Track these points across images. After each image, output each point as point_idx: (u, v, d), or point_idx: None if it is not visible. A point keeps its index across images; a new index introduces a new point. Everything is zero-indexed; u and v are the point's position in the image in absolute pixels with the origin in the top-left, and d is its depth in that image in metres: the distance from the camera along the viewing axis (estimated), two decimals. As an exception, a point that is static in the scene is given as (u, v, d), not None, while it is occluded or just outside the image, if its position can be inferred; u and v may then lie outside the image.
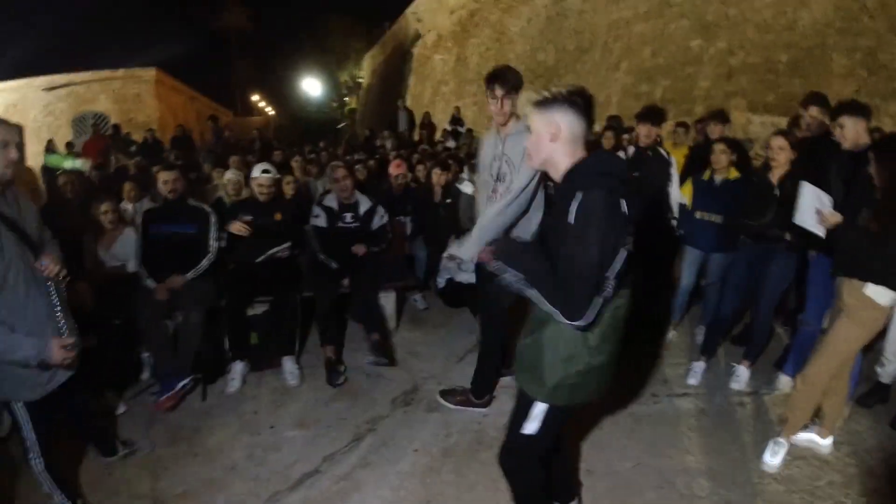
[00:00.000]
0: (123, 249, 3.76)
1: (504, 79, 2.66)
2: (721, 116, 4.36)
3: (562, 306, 1.56)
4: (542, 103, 1.66)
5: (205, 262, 3.59)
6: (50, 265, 2.15)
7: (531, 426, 1.78)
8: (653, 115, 3.89)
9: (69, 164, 4.73)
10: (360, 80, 28.42)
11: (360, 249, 3.96)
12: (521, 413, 1.81)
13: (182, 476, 2.71)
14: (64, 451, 2.48)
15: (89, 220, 3.88)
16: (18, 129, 2.20)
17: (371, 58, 26.60)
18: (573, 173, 1.64)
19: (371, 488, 2.57)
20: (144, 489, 2.63)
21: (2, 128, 2.04)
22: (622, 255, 1.57)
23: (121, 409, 3.26)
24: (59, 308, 2.18)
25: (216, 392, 3.45)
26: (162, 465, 2.80)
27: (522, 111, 1.72)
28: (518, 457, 1.91)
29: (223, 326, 3.59)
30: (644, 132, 3.85)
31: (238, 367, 3.52)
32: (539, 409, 1.76)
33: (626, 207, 1.57)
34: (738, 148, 3.81)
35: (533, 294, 1.61)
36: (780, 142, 3.08)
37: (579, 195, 1.54)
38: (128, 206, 4.82)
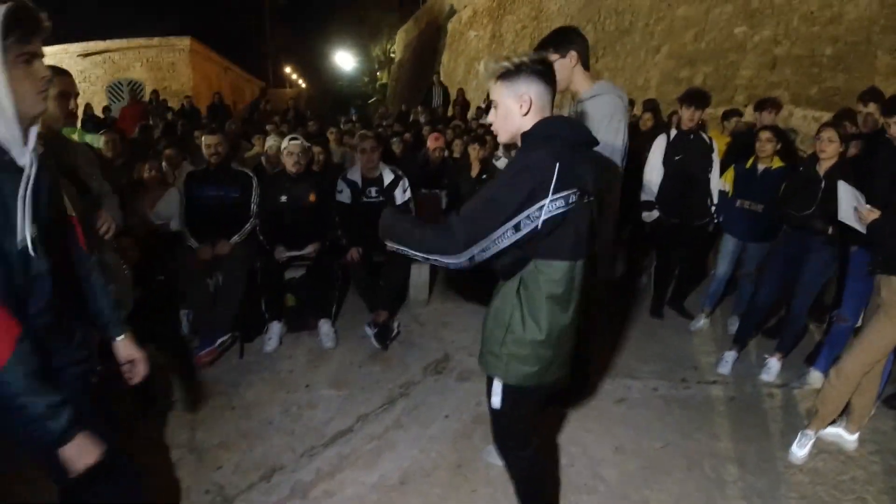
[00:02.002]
0: (167, 209, 3.87)
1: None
2: (775, 104, 4.27)
3: (441, 243, 1.52)
4: (508, 75, 1.58)
5: (248, 226, 3.67)
6: (101, 225, 2.14)
7: (495, 400, 1.76)
8: (697, 97, 3.79)
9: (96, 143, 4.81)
10: (393, 55, 28.20)
11: (353, 255, 3.85)
12: (488, 388, 1.80)
13: (219, 428, 2.80)
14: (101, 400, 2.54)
15: (133, 179, 3.99)
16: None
17: (404, 32, 26.32)
18: (526, 135, 1.61)
19: (404, 449, 2.64)
20: (182, 439, 2.72)
21: (62, 78, 2.05)
22: (528, 222, 1.49)
23: (160, 362, 3.39)
24: (105, 263, 2.18)
25: (253, 350, 3.56)
26: (199, 417, 2.90)
27: (487, 83, 1.65)
28: (496, 433, 1.91)
29: (261, 287, 3.67)
30: (688, 115, 3.76)
31: (275, 327, 3.62)
32: (496, 385, 1.74)
33: (557, 169, 1.48)
34: (784, 137, 3.73)
35: (416, 255, 1.59)
36: (829, 133, 3.01)
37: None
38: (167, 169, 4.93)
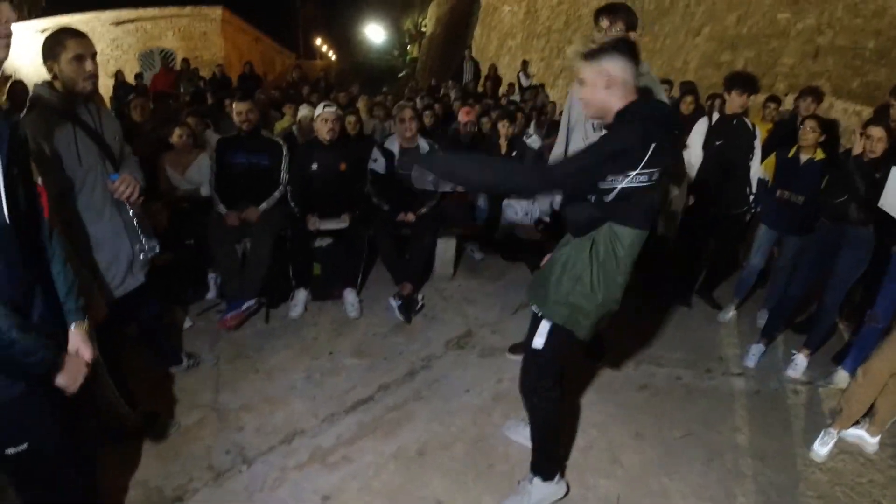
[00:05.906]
0: (198, 174, 3.90)
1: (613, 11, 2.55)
2: (816, 93, 4.09)
3: (527, 180, 1.75)
4: (592, 54, 1.71)
5: (276, 194, 3.69)
6: (120, 187, 2.12)
7: (538, 341, 1.92)
8: (745, 81, 3.60)
9: None
10: (424, 29, 27.82)
11: (408, 218, 3.89)
12: (532, 330, 1.97)
13: (242, 390, 2.87)
14: (128, 358, 2.57)
15: (163, 144, 4.02)
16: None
17: (437, 6, 25.87)
18: (623, 113, 1.71)
19: (423, 420, 2.67)
20: (205, 400, 2.79)
21: (77, 41, 2.01)
22: (605, 183, 1.67)
23: (187, 325, 3.46)
24: (136, 219, 2.20)
25: (279, 316, 3.61)
26: (223, 379, 2.97)
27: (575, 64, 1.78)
28: (530, 374, 2.05)
29: (288, 254, 3.70)
30: (739, 101, 3.59)
31: (301, 295, 3.66)
32: (544, 327, 1.90)
33: (651, 150, 1.62)
34: (829, 129, 3.58)
35: (477, 188, 1.82)
36: (880, 133, 2.90)
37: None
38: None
